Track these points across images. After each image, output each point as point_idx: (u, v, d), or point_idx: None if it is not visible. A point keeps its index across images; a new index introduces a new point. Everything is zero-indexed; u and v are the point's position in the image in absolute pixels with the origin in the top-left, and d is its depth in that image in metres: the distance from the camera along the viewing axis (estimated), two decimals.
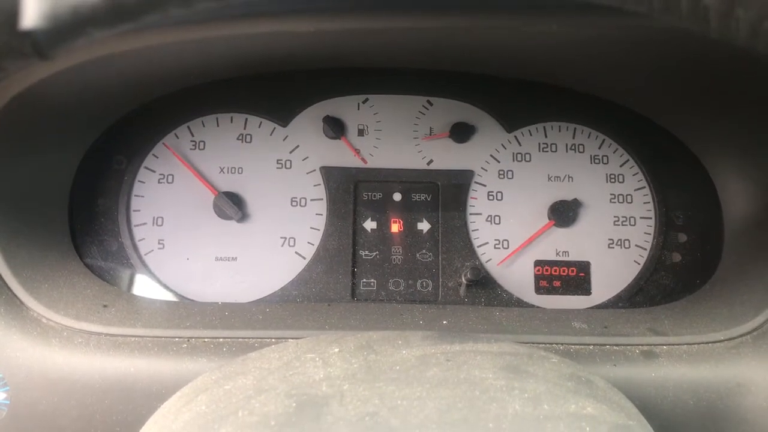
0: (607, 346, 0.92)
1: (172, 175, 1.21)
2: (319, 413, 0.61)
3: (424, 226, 1.21)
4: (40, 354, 0.87)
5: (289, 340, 0.88)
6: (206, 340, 0.91)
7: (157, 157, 1.21)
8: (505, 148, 1.24)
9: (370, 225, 1.21)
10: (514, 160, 1.24)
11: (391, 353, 0.73)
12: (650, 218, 1.22)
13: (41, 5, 0.34)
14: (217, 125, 1.23)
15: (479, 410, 0.61)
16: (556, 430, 0.59)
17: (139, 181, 1.20)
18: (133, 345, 0.89)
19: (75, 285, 1.03)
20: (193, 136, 1.22)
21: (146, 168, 1.21)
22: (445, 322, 1.01)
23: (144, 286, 1.17)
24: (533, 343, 0.91)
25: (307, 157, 1.22)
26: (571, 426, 0.60)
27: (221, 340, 0.91)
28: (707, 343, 0.92)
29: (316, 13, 0.82)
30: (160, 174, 1.21)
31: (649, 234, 1.22)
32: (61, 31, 0.35)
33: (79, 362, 0.87)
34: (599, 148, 1.24)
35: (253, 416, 0.62)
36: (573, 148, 1.24)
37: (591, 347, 0.92)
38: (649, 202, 1.22)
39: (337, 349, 0.75)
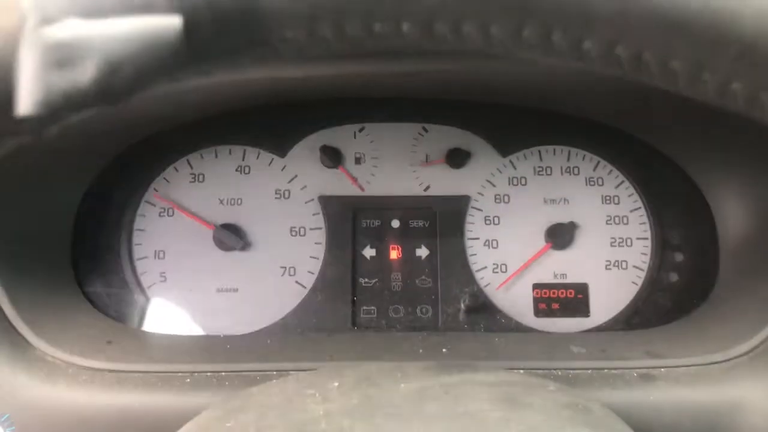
0: (605, 370, 0.92)
1: (173, 209, 1.22)
2: None
3: (422, 252, 1.22)
4: (46, 392, 0.88)
5: (291, 372, 0.90)
6: (209, 374, 0.91)
7: (158, 191, 1.22)
8: (501, 173, 1.25)
9: (369, 252, 1.22)
10: (509, 184, 1.24)
11: (390, 386, 0.74)
12: (646, 239, 1.22)
13: (34, 94, 0.36)
14: (216, 157, 1.24)
15: None
16: None
17: (140, 215, 1.21)
18: (137, 380, 0.90)
19: (79, 322, 1.04)
20: (192, 169, 1.24)
21: (147, 202, 1.22)
22: (444, 349, 1.01)
23: (147, 320, 1.18)
24: (532, 368, 0.91)
25: (305, 187, 1.23)
26: None
27: (224, 373, 0.92)
28: (704, 364, 0.92)
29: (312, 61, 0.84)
30: (161, 208, 1.22)
31: (646, 254, 1.22)
32: (53, 115, 0.37)
33: (84, 399, 0.88)
34: (594, 170, 1.25)
35: None
36: (568, 170, 1.25)
37: (589, 372, 0.92)
38: (645, 223, 1.23)
39: (336, 384, 0.75)
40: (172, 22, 0.37)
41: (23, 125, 0.38)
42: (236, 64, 0.41)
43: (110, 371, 0.92)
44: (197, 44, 0.39)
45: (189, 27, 0.38)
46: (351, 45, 0.41)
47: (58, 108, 0.37)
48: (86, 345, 0.97)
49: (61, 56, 0.36)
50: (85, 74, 0.36)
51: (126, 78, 0.37)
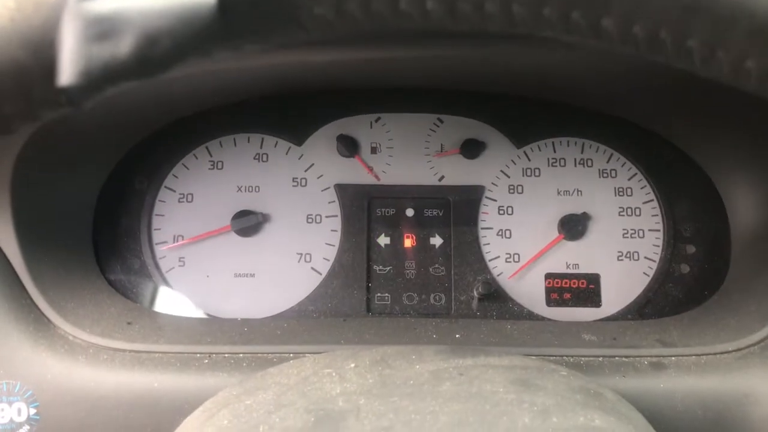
0: (617, 358, 0.94)
1: (192, 194, 1.24)
2: (337, 428, 0.63)
3: (436, 240, 1.24)
4: (67, 371, 0.90)
5: (307, 355, 0.91)
6: (227, 355, 0.93)
7: (177, 177, 1.24)
8: (515, 164, 1.26)
9: (383, 240, 1.24)
10: (523, 175, 1.26)
11: (405, 368, 0.75)
12: (659, 231, 1.23)
13: (76, 64, 0.37)
14: (235, 145, 1.26)
15: (489, 424, 0.63)
16: None
17: (159, 200, 1.23)
18: (157, 361, 0.92)
19: (100, 303, 1.07)
20: (211, 156, 1.25)
21: (166, 188, 1.24)
22: (457, 335, 1.03)
23: (166, 303, 1.20)
24: (544, 355, 0.93)
25: (321, 175, 1.25)
26: None
27: (241, 355, 0.93)
28: (715, 354, 0.93)
29: (336, 45, 0.85)
30: (180, 193, 1.24)
31: (658, 246, 1.23)
32: (93, 85, 0.39)
33: (104, 378, 0.90)
34: (607, 162, 1.26)
35: (274, 430, 0.64)
36: (581, 162, 1.26)
37: (600, 359, 0.94)
38: (657, 215, 1.24)
39: (353, 365, 0.77)
40: None
41: (64, 96, 0.39)
42: (267, 41, 0.43)
43: (130, 351, 0.94)
44: (230, 20, 0.40)
45: (223, 3, 0.39)
46: (377, 22, 0.42)
47: (98, 79, 0.38)
48: (107, 326, 0.99)
49: (101, 29, 0.37)
50: (124, 47, 0.38)
51: (163, 51, 0.38)
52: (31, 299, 0.97)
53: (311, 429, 0.63)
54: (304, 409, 0.67)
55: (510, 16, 0.41)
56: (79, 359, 0.92)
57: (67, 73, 0.38)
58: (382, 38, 0.87)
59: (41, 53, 0.39)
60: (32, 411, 0.89)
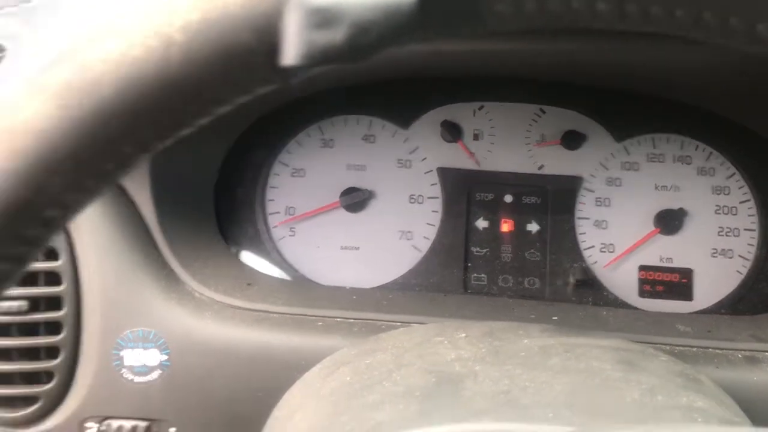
0: (710, 349, 0.97)
1: (304, 170, 1.31)
2: (458, 388, 0.68)
3: (533, 227, 1.27)
4: (195, 324, 0.99)
5: (413, 324, 0.97)
6: (338, 319, 1.01)
7: (291, 153, 1.31)
8: (614, 157, 1.28)
9: (481, 224, 1.28)
10: (622, 169, 1.28)
11: (514, 341, 0.80)
12: (754, 230, 1.24)
13: (298, 48, 0.44)
14: (345, 125, 1.32)
15: (601, 396, 0.68)
16: (673, 417, 0.66)
17: (274, 173, 1.31)
18: (274, 321, 1.00)
19: (221, 265, 1.15)
20: (323, 134, 1.32)
21: (281, 162, 1.31)
22: (555, 318, 1.07)
23: (277, 269, 1.28)
24: (639, 342, 0.96)
25: (425, 158, 1.30)
26: (686, 416, 0.66)
27: (351, 320, 1.00)
28: None
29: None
30: (293, 168, 1.31)
31: (753, 245, 1.24)
32: (309, 66, 0.45)
33: (227, 333, 0.98)
34: (706, 160, 1.27)
35: (398, 386, 0.70)
36: (680, 159, 1.27)
37: (695, 349, 0.97)
38: (753, 215, 1.25)
39: (463, 335, 0.82)
40: None
41: (280, 75, 0.46)
42: (452, 35, 0.48)
43: (250, 310, 1.02)
44: (427, 14, 0.46)
45: (422, 0, 0.45)
46: (549, 20, 0.47)
47: (314, 61, 0.44)
48: (229, 285, 1.07)
49: (320, 19, 0.44)
50: (339, 35, 0.44)
51: (370, 40, 0.44)
52: (164, 258, 1.06)
53: (434, 387, 0.69)
54: (424, 369, 0.73)
55: (672, 18, 0.45)
56: (205, 314, 1.00)
57: (290, 55, 0.44)
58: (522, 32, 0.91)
59: (265, 37, 0.45)
60: (164, 357, 0.97)
